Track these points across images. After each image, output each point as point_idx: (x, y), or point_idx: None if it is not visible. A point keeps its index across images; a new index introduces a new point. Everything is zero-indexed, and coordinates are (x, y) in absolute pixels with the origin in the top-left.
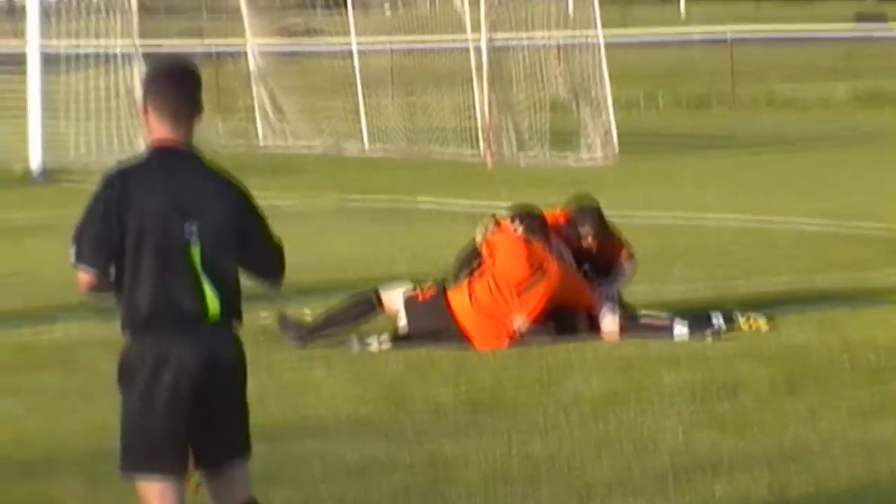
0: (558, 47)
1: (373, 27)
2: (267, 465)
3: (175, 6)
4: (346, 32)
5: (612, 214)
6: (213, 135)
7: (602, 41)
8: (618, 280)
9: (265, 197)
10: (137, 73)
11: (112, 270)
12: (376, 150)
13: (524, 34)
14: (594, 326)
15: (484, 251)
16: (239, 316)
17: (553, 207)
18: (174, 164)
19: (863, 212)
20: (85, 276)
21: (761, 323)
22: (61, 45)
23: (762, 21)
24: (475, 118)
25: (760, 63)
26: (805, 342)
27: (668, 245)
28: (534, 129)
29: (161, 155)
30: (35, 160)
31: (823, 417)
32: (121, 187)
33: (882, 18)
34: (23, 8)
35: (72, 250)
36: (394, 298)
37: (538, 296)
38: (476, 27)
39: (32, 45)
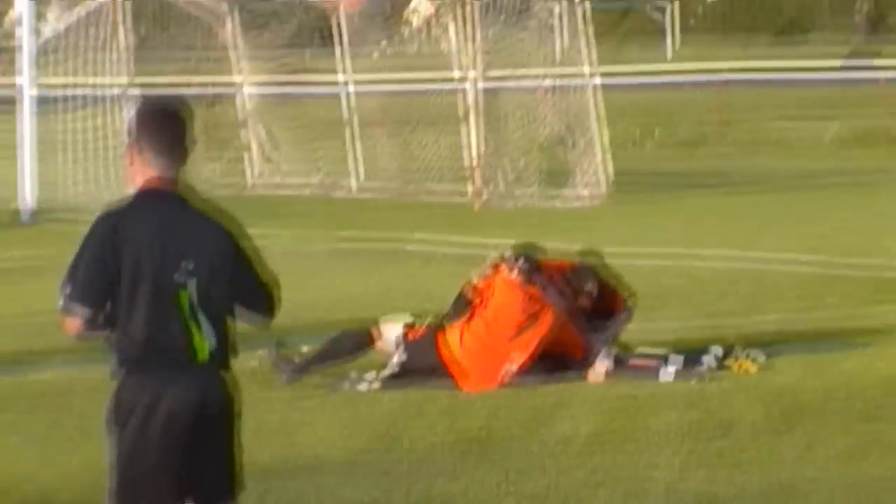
0: (550, 87)
1: (364, 67)
2: None
3: (168, 47)
4: (338, 72)
5: (604, 253)
6: (204, 175)
7: (593, 81)
8: (611, 330)
9: (257, 237)
10: (129, 114)
11: (104, 311)
12: (368, 190)
13: (516, 73)
14: (583, 374)
15: (480, 292)
16: (232, 357)
17: (556, 256)
18: (165, 206)
19: (855, 251)
20: (74, 320)
21: (749, 364)
22: (54, 85)
23: (753, 59)
24: (467, 157)
25: (752, 102)
26: (798, 380)
27: (660, 283)
28: (526, 168)
29: (152, 197)
30: (26, 200)
31: (816, 456)
32: (113, 230)
33: (875, 58)
34: (12, 48)
35: (62, 294)
36: (389, 333)
37: (531, 342)
38: (468, 66)
39: (25, 85)
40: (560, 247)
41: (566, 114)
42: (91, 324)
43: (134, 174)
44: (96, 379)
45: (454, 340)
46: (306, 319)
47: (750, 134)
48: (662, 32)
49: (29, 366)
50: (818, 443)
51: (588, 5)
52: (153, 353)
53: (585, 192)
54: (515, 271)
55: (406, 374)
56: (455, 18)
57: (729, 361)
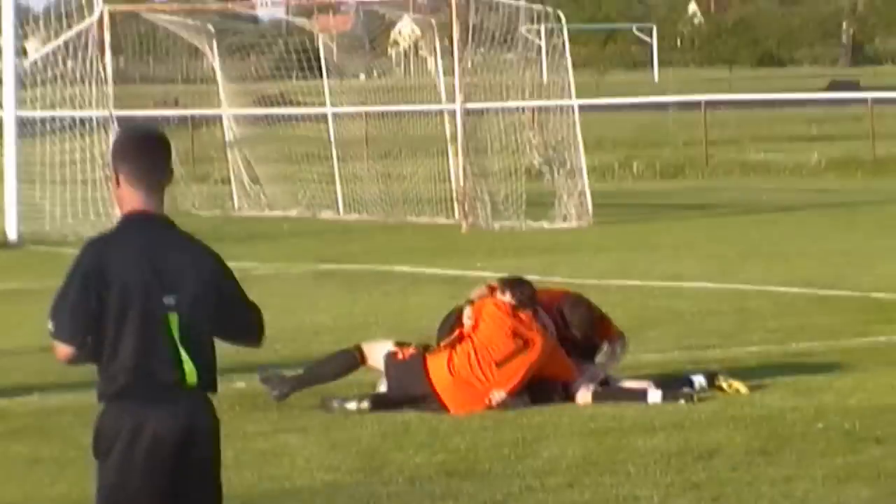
0: (533, 113)
1: (348, 94)
2: None
3: (150, 74)
4: (322, 99)
5: (586, 280)
6: (188, 201)
7: (576, 107)
8: (608, 361)
9: (241, 265)
10: (112, 140)
11: (89, 341)
12: (352, 216)
13: (499, 101)
14: (569, 397)
15: (469, 314)
16: (215, 383)
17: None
18: (150, 233)
19: (837, 277)
20: (64, 349)
21: (740, 384)
22: (36, 112)
23: (735, 85)
24: (450, 184)
25: (734, 128)
26: (780, 408)
27: (642, 310)
28: (509, 194)
29: (136, 224)
30: (10, 227)
31: (799, 483)
32: (98, 258)
33: (855, 86)
34: None
35: (50, 323)
36: (376, 353)
37: (518, 369)
38: (451, 94)
39: (8, 113)
40: (545, 279)
41: (551, 140)
42: (78, 354)
43: (120, 199)
44: (79, 406)
45: (442, 365)
46: (290, 346)
47: (732, 160)
48: (648, 55)
49: (16, 390)
50: (799, 471)
51: (565, 34)
52: (141, 377)
53: (573, 220)
54: (509, 294)
55: (393, 396)
56: (435, 50)
57: (720, 381)
